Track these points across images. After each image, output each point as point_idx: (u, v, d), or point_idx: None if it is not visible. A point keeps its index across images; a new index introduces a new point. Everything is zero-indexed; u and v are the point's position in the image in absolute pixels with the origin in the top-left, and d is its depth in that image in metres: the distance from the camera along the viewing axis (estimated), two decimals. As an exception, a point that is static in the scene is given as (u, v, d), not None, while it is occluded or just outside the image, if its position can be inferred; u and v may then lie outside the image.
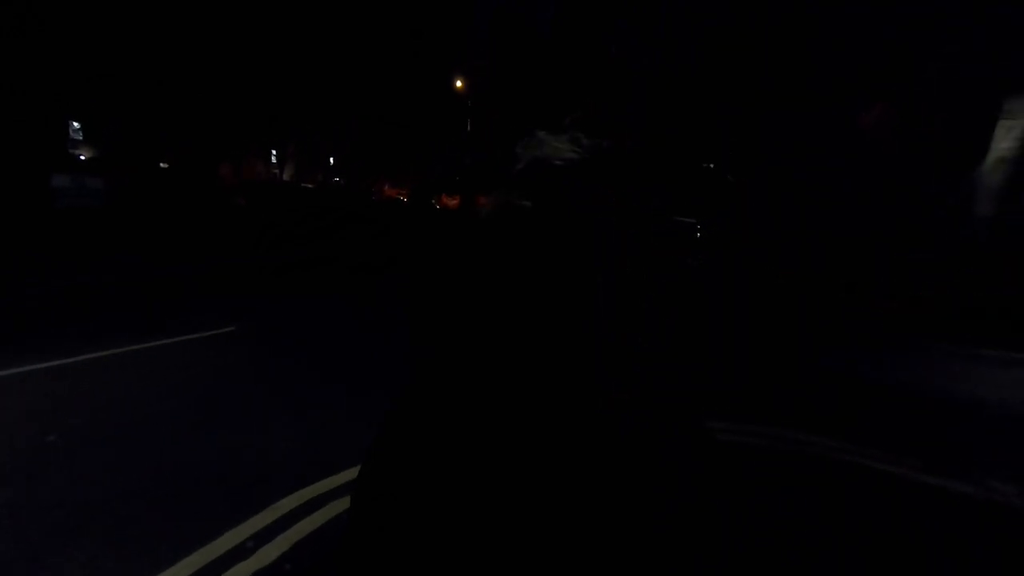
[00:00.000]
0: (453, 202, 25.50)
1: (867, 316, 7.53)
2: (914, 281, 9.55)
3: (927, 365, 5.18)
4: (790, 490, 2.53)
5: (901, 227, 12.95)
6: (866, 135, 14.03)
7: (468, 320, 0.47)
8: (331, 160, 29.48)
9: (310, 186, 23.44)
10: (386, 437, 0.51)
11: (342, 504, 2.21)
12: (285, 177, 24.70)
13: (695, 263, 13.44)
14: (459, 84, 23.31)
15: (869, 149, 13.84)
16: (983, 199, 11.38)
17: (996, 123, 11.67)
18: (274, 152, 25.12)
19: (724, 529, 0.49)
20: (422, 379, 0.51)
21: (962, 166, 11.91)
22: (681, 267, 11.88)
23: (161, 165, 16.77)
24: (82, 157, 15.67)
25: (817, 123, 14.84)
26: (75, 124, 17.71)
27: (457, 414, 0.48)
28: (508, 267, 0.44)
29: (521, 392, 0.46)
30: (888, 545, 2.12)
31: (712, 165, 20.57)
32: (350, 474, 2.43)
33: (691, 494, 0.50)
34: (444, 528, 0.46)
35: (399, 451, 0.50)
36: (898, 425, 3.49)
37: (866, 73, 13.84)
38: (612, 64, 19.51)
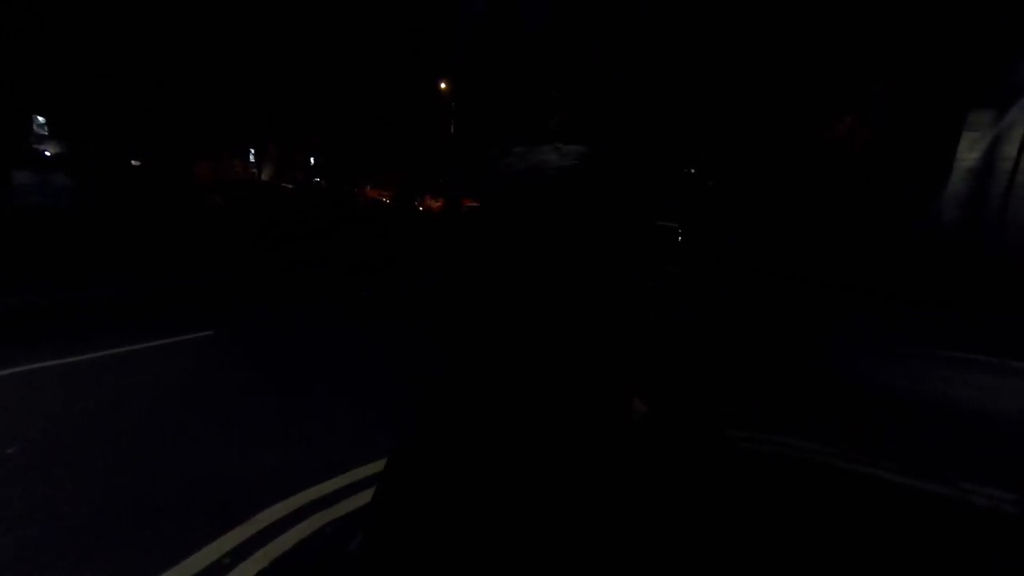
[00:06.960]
0: (437, 204, 25.37)
1: (841, 319, 7.73)
2: (885, 286, 9.86)
3: (899, 368, 5.33)
4: (768, 493, 2.55)
5: (874, 234, 13.36)
6: (838, 146, 14.45)
7: (479, 326, 0.45)
8: (311, 160, 28.97)
9: (289, 186, 22.99)
10: (414, 438, 0.49)
11: (325, 516, 2.13)
12: (264, 177, 24.17)
13: (676, 269, 13.59)
14: (444, 87, 23.27)
15: (841, 160, 14.25)
16: (951, 209, 11.83)
17: (960, 135, 12.12)
18: (252, 151, 24.56)
19: (728, 533, 0.48)
20: (444, 384, 0.49)
21: (929, 178, 12.36)
22: (663, 272, 12.01)
23: (133, 163, 16.19)
24: (47, 153, 15.01)
25: (793, 132, 15.23)
26: (40, 119, 17.00)
27: (476, 418, 0.46)
28: (513, 272, 0.43)
29: (534, 396, 0.44)
30: (867, 547, 2.15)
31: (693, 171, 20.97)
32: (334, 484, 2.35)
33: (706, 501, 0.48)
34: (465, 527, 0.45)
35: (424, 455, 0.48)
36: (872, 427, 3.56)
37: (837, 86, 14.28)
38: (594, 69, 19.79)
